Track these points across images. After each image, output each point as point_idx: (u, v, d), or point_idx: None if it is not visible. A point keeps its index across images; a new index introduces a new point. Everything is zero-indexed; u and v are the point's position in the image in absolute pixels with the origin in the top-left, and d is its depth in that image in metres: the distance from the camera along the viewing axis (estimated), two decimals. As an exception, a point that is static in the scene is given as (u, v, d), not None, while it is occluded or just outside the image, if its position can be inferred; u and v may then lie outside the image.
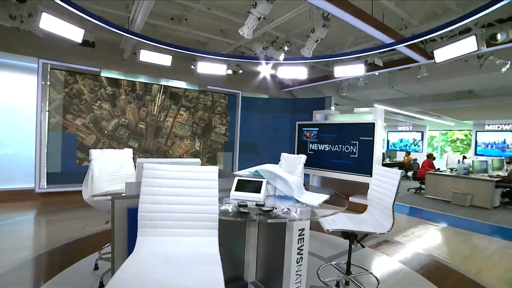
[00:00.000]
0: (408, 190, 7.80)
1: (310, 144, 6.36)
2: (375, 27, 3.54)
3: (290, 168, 3.53)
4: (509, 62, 4.26)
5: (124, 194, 1.89)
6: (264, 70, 5.51)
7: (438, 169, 7.35)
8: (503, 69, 4.29)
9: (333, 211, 1.94)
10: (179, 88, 6.38)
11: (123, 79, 5.68)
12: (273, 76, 5.96)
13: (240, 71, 6.04)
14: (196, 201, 1.57)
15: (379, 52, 4.32)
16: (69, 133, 5.22)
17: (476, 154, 9.65)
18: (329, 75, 6.28)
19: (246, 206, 1.78)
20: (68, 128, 5.20)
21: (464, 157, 8.94)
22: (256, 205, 1.84)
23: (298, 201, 2.10)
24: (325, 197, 2.29)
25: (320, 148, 6.15)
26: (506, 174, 6.33)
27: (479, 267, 3.01)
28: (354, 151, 5.48)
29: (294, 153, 6.71)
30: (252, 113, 7.30)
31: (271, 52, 4.56)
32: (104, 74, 5.48)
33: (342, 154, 5.68)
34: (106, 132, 5.54)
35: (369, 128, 5.22)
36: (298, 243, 1.99)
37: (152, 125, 6.05)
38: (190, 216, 1.55)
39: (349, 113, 5.98)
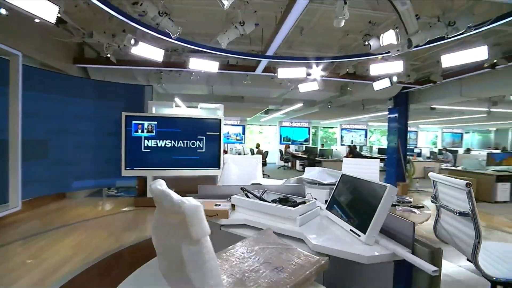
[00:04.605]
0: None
1: (146, 140, 5.40)
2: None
3: (245, 170, 3.24)
4: (288, 83, 6.66)
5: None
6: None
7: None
8: (291, 88, 6.68)
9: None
10: None
11: None
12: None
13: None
14: None
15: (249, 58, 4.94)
16: None
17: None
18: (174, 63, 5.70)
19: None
20: None
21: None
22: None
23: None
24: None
25: (159, 145, 5.45)
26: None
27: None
28: (201, 146, 5.61)
29: (120, 151, 5.28)
30: (37, 92, 4.64)
31: (167, 23, 3.48)
32: None
33: (188, 150, 5.55)
34: None
35: (216, 124, 5.64)
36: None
37: None
38: None
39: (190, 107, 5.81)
